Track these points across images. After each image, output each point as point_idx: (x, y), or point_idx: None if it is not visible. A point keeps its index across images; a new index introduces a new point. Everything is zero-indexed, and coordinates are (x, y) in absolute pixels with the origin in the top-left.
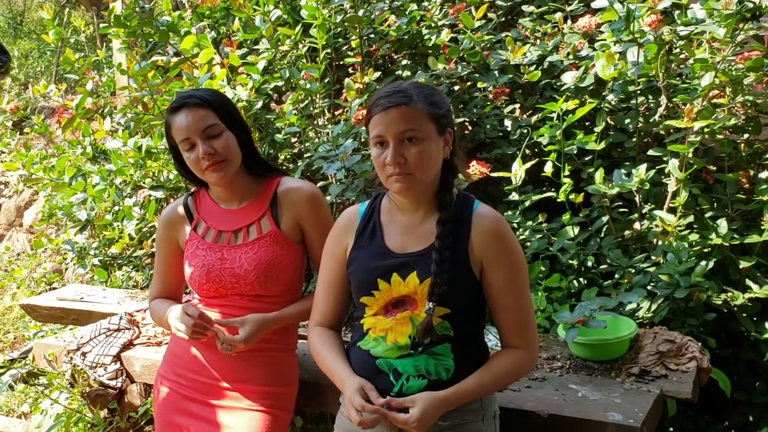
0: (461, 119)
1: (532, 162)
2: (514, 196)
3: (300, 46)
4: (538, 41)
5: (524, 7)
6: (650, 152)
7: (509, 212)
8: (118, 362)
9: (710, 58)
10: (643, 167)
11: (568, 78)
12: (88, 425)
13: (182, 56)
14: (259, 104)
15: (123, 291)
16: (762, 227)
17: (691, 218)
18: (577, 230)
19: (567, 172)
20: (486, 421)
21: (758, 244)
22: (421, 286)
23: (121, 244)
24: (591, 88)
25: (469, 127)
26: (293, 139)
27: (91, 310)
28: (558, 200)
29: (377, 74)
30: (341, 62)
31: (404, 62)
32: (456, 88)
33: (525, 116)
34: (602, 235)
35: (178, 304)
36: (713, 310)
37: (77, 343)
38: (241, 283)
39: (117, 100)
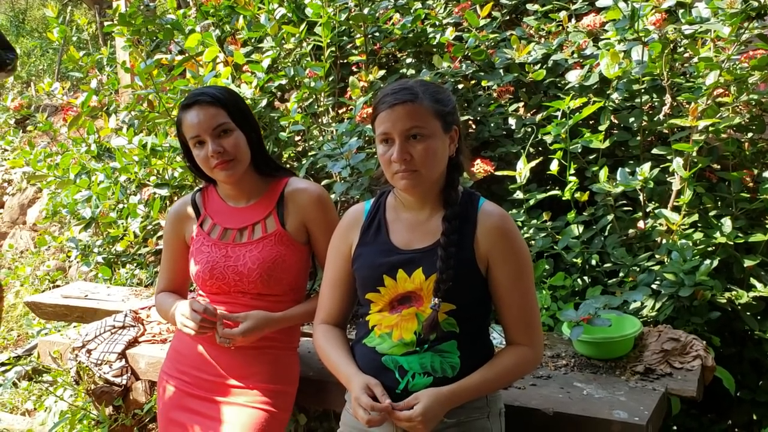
0: (466, 117)
1: (537, 160)
2: (519, 195)
3: (304, 44)
4: (543, 40)
5: (529, 6)
6: (654, 151)
7: (514, 210)
8: (123, 359)
9: (715, 57)
10: (647, 166)
11: (573, 77)
12: (93, 422)
13: (187, 54)
14: (264, 102)
15: (127, 288)
16: (766, 226)
17: (695, 217)
18: (581, 229)
19: (572, 171)
20: (491, 418)
21: (762, 243)
22: (426, 282)
23: (125, 242)
24: (595, 86)
25: (474, 126)
26: (297, 138)
27: (96, 307)
28: (562, 199)
29: (382, 72)
30: (346, 60)
31: (409, 60)
32: (460, 86)
33: (529, 115)
34: (607, 233)
35: (183, 299)
36: (717, 309)
37: (82, 340)
38: (244, 281)
39: (120, 97)
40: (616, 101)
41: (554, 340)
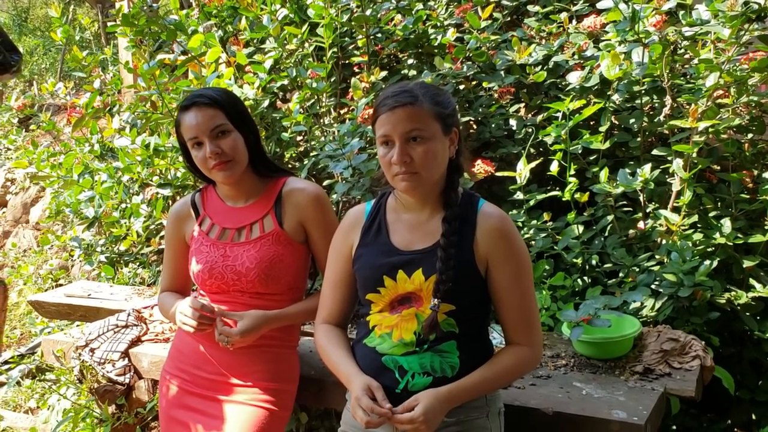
0: (467, 118)
1: (537, 161)
2: (519, 195)
3: (307, 45)
4: (544, 41)
5: (530, 7)
6: (655, 152)
7: (514, 211)
8: (126, 358)
9: (715, 59)
10: (647, 167)
11: (574, 78)
12: (96, 421)
13: (189, 55)
14: (266, 103)
15: (130, 288)
16: (765, 227)
17: (695, 218)
18: (581, 229)
19: (572, 171)
20: (491, 418)
21: (762, 244)
22: (426, 283)
23: (128, 242)
24: (596, 88)
25: (475, 127)
26: (299, 138)
27: (99, 306)
28: (563, 199)
29: (383, 73)
30: (347, 61)
31: (410, 62)
32: (462, 87)
33: (530, 116)
34: (607, 234)
35: (185, 298)
36: (717, 309)
37: (85, 339)
38: (242, 280)
39: (123, 97)
40: (617, 102)
41: (554, 340)
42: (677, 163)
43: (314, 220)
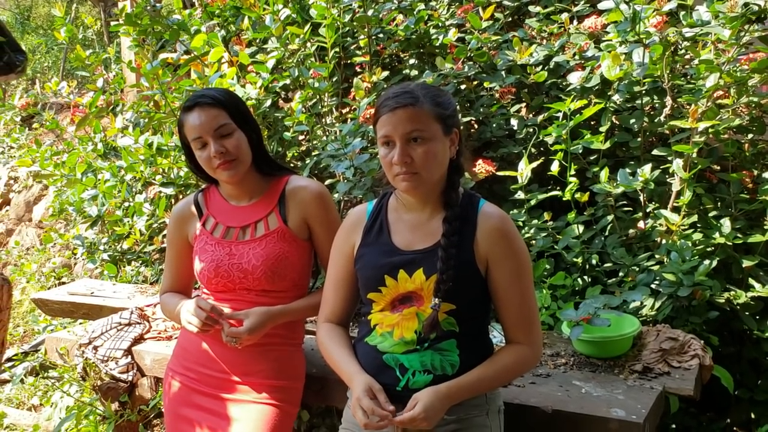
0: (468, 118)
1: (538, 161)
2: (520, 195)
3: (309, 45)
4: (545, 41)
5: (531, 8)
6: (655, 152)
7: (515, 210)
8: (129, 356)
9: (715, 59)
10: (647, 167)
11: (574, 78)
12: (99, 418)
13: (192, 54)
14: (268, 102)
15: (133, 286)
16: (765, 227)
17: (695, 217)
18: (581, 229)
19: (572, 171)
20: (490, 415)
21: (761, 244)
22: (427, 283)
23: (131, 240)
24: (597, 88)
25: (476, 126)
26: (301, 138)
27: (102, 304)
28: (563, 199)
29: (385, 73)
30: (349, 61)
31: (412, 62)
32: (463, 87)
33: (531, 116)
34: (607, 233)
35: (188, 298)
36: (716, 309)
37: (89, 337)
38: (248, 278)
39: (126, 97)
40: (617, 103)
41: (554, 339)
42: (677, 163)
43: (318, 217)
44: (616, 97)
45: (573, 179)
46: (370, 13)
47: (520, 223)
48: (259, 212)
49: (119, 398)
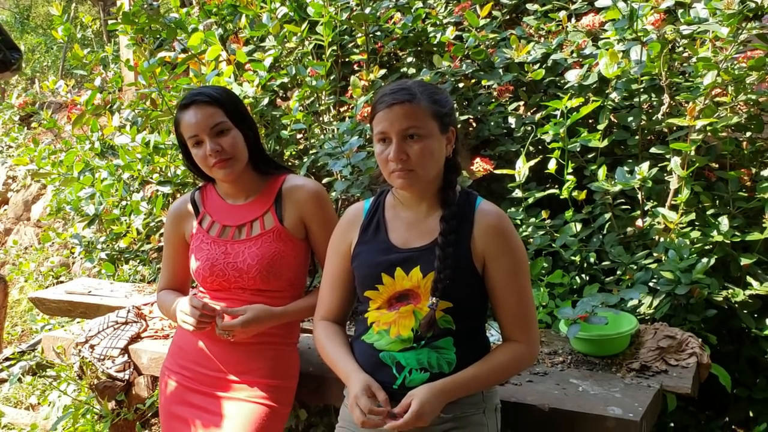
0: (465, 116)
1: (536, 159)
2: (518, 193)
3: (306, 43)
4: (542, 39)
5: (528, 6)
6: (653, 150)
7: (512, 209)
8: (126, 355)
9: (713, 57)
10: (645, 165)
11: (572, 76)
12: (96, 417)
13: (190, 53)
14: (266, 101)
15: (130, 285)
16: (763, 225)
17: (692, 215)
18: (579, 227)
19: (570, 170)
20: (487, 414)
21: (759, 242)
22: (424, 281)
23: (128, 239)
24: (594, 86)
25: (474, 125)
26: (299, 136)
27: (99, 303)
28: (561, 197)
29: (383, 71)
30: (347, 59)
31: (409, 60)
32: (461, 85)
33: (529, 114)
34: (605, 231)
35: (184, 296)
36: (714, 307)
37: (85, 335)
38: (243, 277)
39: (124, 95)
40: (615, 100)
41: (551, 337)
42: (675, 161)
43: (314, 217)
44: (613, 95)
45: (571, 177)
46: (367, 11)
47: (518, 222)
48: (255, 211)
49: (116, 397)
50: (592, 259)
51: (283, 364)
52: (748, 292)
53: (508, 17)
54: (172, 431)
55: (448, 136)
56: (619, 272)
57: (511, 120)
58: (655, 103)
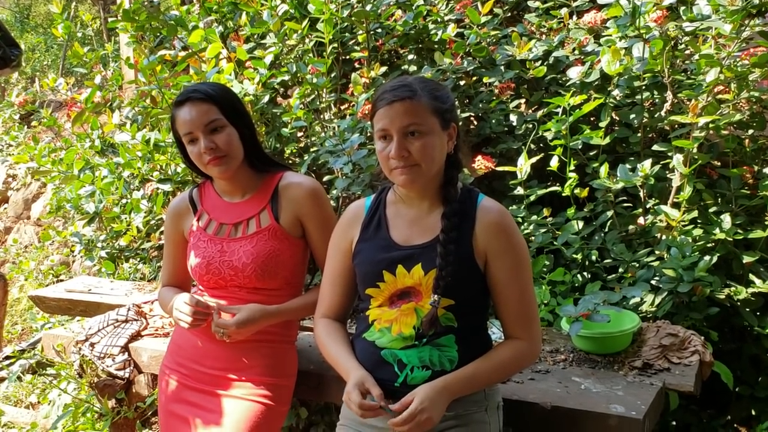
0: (467, 114)
1: (538, 157)
2: (519, 191)
3: (307, 40)
4: (544, 37)
5: (530, 3)
6: (655, 147)
7: (514, 206)
8: (126, 353)
9: (716, 54)
10: (647, 162)
11: (574, 73)
12: (96, 415)
13: (190, 50)
14: (266, 98)
15: (130, 283)
16: (765, 222)
17: (695, 213)
18: (581, 225)
19: (572, 167)
20: (489, 412)
21: (761, 240)
22: (425, 278)
23: (128, 237)
24: (596, 83)
25: (475, 122)
26: (300, 134)
27: (99, 301)
28: (563, 195)
29: (383, 69)
30: (348, 57)
31: (410, 57)
32: (462, 83)
33: (530, 111)
34: (606, 229)
35: (184, 293)
36: (716, 305)
37: (85, 333)
38: (239, 275)
39: (124, 93)
40: (617, 98)
41: (553, 335)
42: (677, 159)
43: (311, 215)
44: (615, 93)
45: (572, 175)
46: (368, 8)
47: (520, 219)
48: (252, 209)
49: (116, 395)
50: (594, 257)
51: (281, 362)
52: (750, 290)
53: (509, 14)
54: (170, 429)
55: (450, 132)
56: (621, 270)
57: (513, 117)
58: (657, 100)
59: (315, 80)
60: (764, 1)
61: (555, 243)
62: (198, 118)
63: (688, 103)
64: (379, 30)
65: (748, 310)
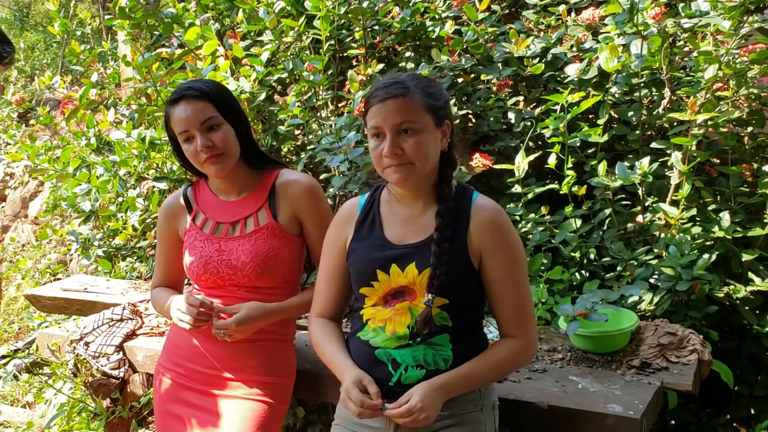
0: (464, 111)
1: (536, 154)
2: (517, 189)
3: (303, 37)
4: (542, 33)
5: (528, 0)
6: (653, 145)
7: (512, 204)
8: (121, 352)
9: (714, 51)
10: (646, 160)
11: (572, 70)
12: (91, 414)
13: (186, 48)
14: (263, 96)
15: (126, 282)
16: (765, 220)
17: (693, 211)
18: (579, 223)
19: (570, 165)
20: (485, 411)
21: (761, 238)
22: (419, 277)
23: (124, 235)
24: (594, 80)
25: (473, 120)
26: (296, 131)
27: (95, 300)
28: (561, 193)
29: (381, 66)
30: (345, 54)
31: (408, 54)
32: (459, 80)
33: (528, 108)
34: (605, 227)
35: (178, 293)
36: (715, 303)
37: (80, 333)
38: (238, 274)
39: (122, 91)
40: (615, 95)
41: (551, 333)
42: (676, 156)
43: (308, 212)
44: (614, 90)
45: (570, 173)
46: (365, 5)
47: (517, 217)
48: (249, 207)
49: (110, 395)
50: (592, 256)
51: (279, 361)
52: (749, 289)
53: (507, 11)
54: (167, 429)
55: (443, 129)
56: (619, 268)
57: (511, 115)
58: (655, 97)
59: (312, 78)
60: None
61: (553, 241)
62: (194, 116)
63: (686, 100)
64: (377, 27)
65: (747, 308)
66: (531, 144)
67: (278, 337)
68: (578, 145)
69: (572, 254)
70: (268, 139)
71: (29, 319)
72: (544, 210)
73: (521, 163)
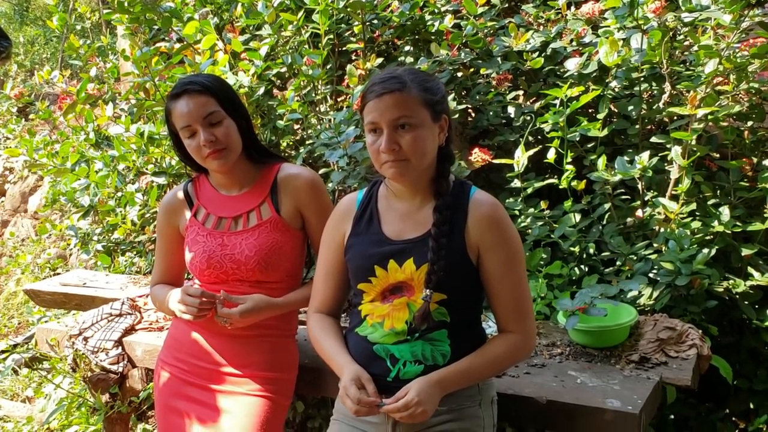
0: (464, 106)
1: (535, 149)
2: (517, 183)
3: (302, 31)
4: (542, 27)
5: None
6: (653, 139)
7: (511, 199)
8: (120, 347)
9: (715, 45)
10: (646, 154)
11: (572, 65)
12: (90, 409)
13: (185, 42)
14: (261, 90)
15: (126, 276)
16: (765, 215)
17: (693, 206)
18: (578, 217)
19: (569, 159)
20: (483, 406)
21: (760, 232)
22: (417, 272)
23: (123, 230)
24: (594, 74)
25: (472, 114)
26: (295, 126)
27: (94, 295)
28: (560, 187)
29: (380, 60)
30: (344, 48)
31: (407, 48)
32: (459, 74)
33: (528, 103)
34: (604, 222)
35: (178, 289)
36: (715, 298)
37: (79, 327)
38: (242, 269)
39: (121, 86)
40: (615, 89)
41: (550, 328)
42: (676, 151)
43: (311, 206)
44: (613, 84)
45: (570, 167)
46: None
47: (517, 212)
48: (252, 202)
49: (109, 390)
50: (591, 250)
51: (282, 356)
52: (749, 283)
53: (506, 5)
54: (168, 424)
55: (441, 124)
56: (618, 263)
57: (510, 109)
58: (655, 91)
59: (311, 72)
60: None
61: (552, 236)
62: (196, 111)
63: (686, 94)
64: (376, 21)
65: (746, 303)
66: (530, 138)
67: (280, 332)
68: (578, 139)
69: (571, 249)
70: (267, 134)
71: (28, 314)
72: (543, 205)
73: (520, 157)
